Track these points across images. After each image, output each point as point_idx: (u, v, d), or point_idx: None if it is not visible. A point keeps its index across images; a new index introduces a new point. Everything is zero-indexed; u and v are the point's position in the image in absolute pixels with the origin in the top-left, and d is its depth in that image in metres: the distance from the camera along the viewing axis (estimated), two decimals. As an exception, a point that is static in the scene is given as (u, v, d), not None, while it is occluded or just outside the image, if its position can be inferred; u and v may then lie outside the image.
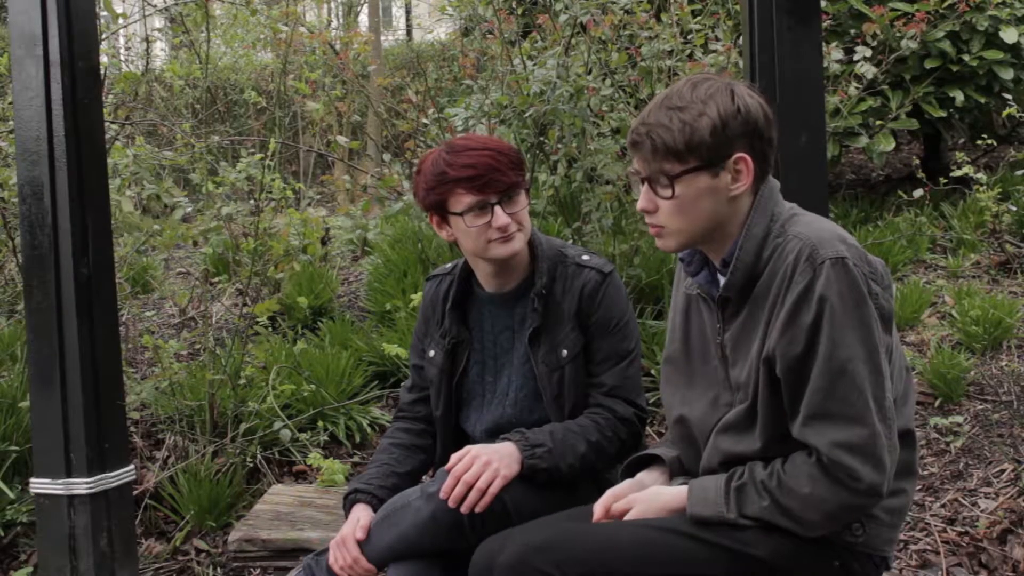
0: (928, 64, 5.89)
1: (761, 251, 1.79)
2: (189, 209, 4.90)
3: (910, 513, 3.15)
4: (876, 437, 1.68)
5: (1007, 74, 5.95)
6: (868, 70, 4.86)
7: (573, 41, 4.72)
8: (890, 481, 1.71)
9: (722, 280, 1.85)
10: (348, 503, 2.27)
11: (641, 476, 2.00)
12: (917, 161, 6.42)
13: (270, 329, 4.38)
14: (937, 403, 3.90)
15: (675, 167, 1.76)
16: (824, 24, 5.41)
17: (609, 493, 1.94)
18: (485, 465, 2.05)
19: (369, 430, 4.03)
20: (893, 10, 5.60)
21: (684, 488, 1.84)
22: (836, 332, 1.68)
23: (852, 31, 5.60)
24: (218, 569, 3.32)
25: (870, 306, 1.71)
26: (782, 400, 1.75)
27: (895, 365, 1.80)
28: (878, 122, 5.76)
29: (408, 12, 16.03)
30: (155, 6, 5.91)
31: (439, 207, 2.23)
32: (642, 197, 1.83)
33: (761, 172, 1.81)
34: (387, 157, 5.58)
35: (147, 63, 5.27)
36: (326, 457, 3.57)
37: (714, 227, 1.81)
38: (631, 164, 1.87)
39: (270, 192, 4.48)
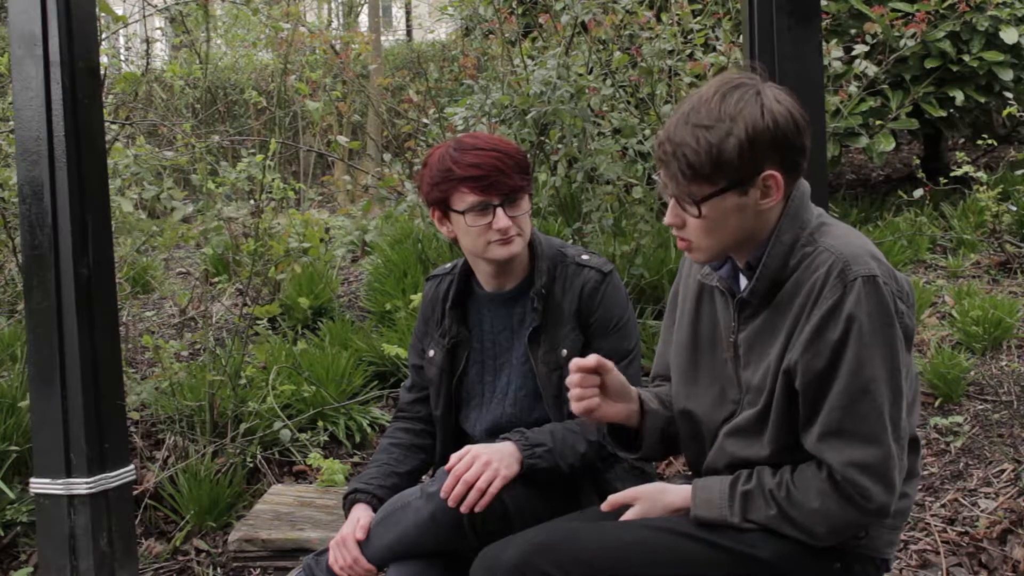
0: (928, 64, 5.90)
1: (788, 258, 1.75)
2: (189, 209, 4.90)
3: (910, 513, 3.15)
4: (890, 458, 1.67)
5: (1007, 75, 5.95)
6: (869, 68, 4.86)
7: (574, 41, 4.72)
8: (897, 499, 1.71)
9: (743, 280, 1.83)
10: (348, 503, 2.27)
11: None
12: (917, 161, 6.42)
13: (270, 329, 4.38)
14: (937, 403, 3.90)
15: (703, 189, 1.71)
16: (824, 24, 5.41)
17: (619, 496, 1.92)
18: (485, 465, 2.04)
19: (369, 430, 4.02)
20: (893, 10, 5.60)
21: (688, 488, 1.84)
22: (862, 352, 1.66)
23: (852, 31, 5.60)
24: (218, 569, 3.32)
25: (896, 327, 1.69)
26: (796, 411, 1.74)
27: (909, 379, 1.78)
28: (878, 122, 5.76)
29: (408, 12, 16.04)
30: (155, 6, 5.90)
31: (442, 203, 2.23)
32: (669, 212, 1.79)
33: (792, 182, 1.76)
34: (387, 157, 5.58)
35: (147, 63, 5.27)
36: (326, 457, 3.57)
37: (743, 239, 1.78)
38: (658, 176, 1.79)
39: (270, 192, 4.48)
